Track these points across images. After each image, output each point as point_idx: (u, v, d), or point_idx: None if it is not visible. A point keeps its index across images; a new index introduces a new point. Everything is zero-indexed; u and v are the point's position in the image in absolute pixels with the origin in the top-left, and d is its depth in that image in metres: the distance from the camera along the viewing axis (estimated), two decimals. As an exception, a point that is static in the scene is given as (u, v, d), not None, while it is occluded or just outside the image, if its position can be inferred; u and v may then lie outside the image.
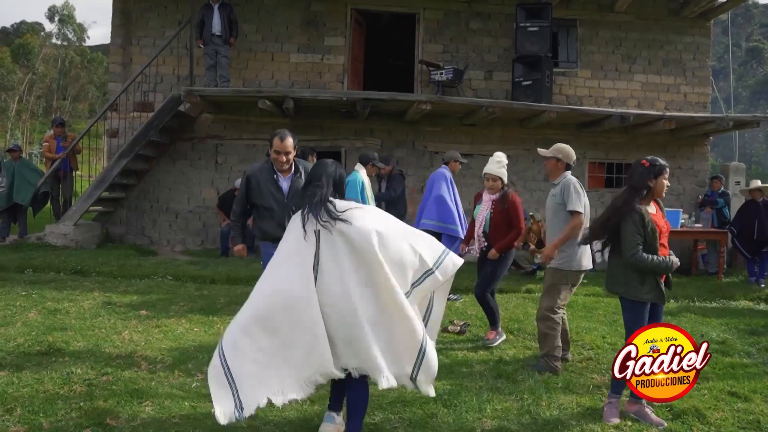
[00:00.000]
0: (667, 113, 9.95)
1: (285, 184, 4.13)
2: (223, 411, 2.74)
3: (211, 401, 3.47)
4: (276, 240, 3.19)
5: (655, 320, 3.60)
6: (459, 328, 5.42)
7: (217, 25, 9.18)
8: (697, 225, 9.54)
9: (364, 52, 11.13)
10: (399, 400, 3.71)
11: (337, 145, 10.19)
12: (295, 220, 2.98)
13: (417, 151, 10.34)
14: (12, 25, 63.51)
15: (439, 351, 4.68)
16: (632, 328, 3.50)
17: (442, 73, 9.76)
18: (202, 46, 9.25)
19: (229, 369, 2.79)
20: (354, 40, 10.49)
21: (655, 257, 3.46)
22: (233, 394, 2.77)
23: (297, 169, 4.16)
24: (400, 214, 8.09)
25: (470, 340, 5.21)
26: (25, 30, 57.56)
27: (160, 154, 9.99)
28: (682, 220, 9.19)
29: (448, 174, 6.66)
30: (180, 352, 4.42)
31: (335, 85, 10.24)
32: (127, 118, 9.64)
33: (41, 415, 3.20)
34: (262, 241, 4.24)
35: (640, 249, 3.44)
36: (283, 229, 3.15)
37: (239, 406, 2.75)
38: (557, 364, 4.40)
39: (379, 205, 7.82)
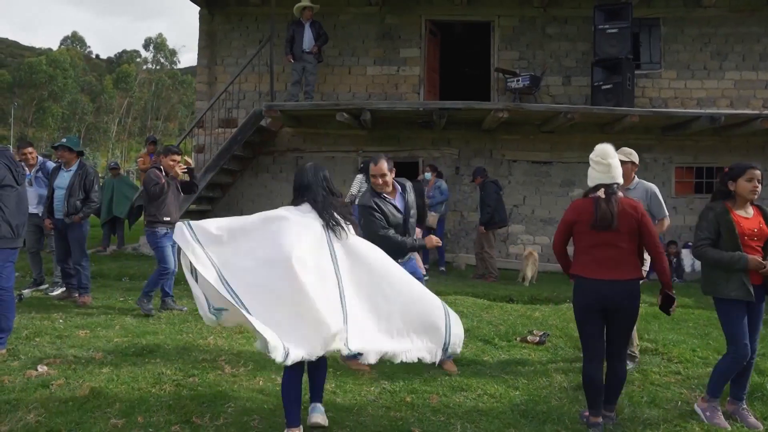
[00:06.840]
0: (765, 111, 9.30)
1: None
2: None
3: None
4: None
5: (754, 322, 3.56)
6: (538, 338, 5.28)
7: (307, 41, 9.48)
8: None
9: (440, 62, 11.17)
10: (475, 409, 3.67)
11: (415, 155, 10.26)
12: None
13: (495, 159, 10.22)
14: (115, 55, 69.08)
15: (518, 361, 4.63)
16: (729, 331, 3.52)
17: (518, 80, 9.63)
18: (292, 61, 9.56)
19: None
20: (429, 51, 10.55)
21: (721, 252, 3.49)
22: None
23: None
24: (501, 221, 8.70)
25: (549, 350, 5.06)
26: (125, 58, 62.44)
27: (244, 167, 10.44)
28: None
29: None
30: (261, 357, 4.55)
31: (411, 96, 10.32)
32: (213, 134, 10.15)
33: (136, 410, 3.42)
34: None
35: (704, 243, 3.54)
36: None
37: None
38: None
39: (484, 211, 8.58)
